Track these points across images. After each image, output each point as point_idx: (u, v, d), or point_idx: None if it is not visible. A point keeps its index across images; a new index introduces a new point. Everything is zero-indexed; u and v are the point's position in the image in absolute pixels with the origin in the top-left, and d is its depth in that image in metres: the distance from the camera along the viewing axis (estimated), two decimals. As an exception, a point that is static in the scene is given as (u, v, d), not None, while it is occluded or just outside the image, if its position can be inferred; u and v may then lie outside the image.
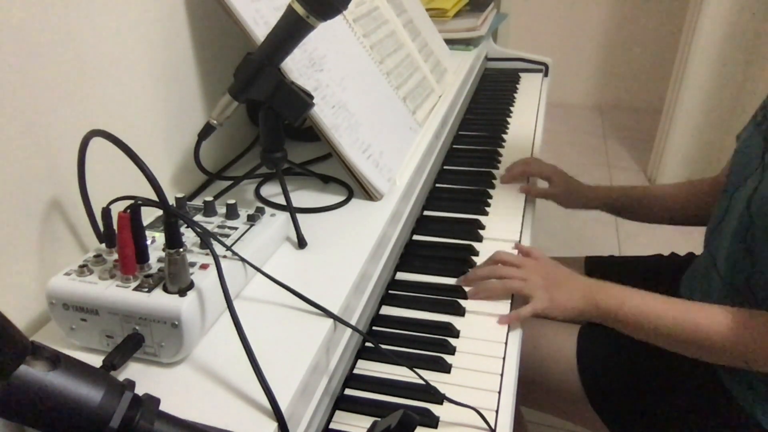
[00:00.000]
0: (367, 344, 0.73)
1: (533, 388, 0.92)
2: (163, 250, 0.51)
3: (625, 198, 1.09)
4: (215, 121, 0.72)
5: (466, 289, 0.84)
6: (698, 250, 0.97)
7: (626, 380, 0.86)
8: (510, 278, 0.82)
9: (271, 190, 0.84)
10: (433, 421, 0.63)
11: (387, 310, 0.80)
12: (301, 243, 0.70)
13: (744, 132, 0.87)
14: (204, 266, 0.55)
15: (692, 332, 0.73)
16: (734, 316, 0.72)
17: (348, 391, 0.68)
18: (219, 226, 0.64)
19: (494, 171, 1.16)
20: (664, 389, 0.84)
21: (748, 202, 0.76)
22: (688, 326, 0.73)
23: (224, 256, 0.59)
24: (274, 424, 0.47)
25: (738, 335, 0.71)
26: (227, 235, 0.62)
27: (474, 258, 0.90)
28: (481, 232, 0.96)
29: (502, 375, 0.69)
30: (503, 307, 0.80)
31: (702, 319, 0.73)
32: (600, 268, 1.09)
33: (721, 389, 0.80)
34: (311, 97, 0.70)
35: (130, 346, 0.51)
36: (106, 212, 0.56)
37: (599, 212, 1.12)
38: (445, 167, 1.18)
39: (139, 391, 0.39)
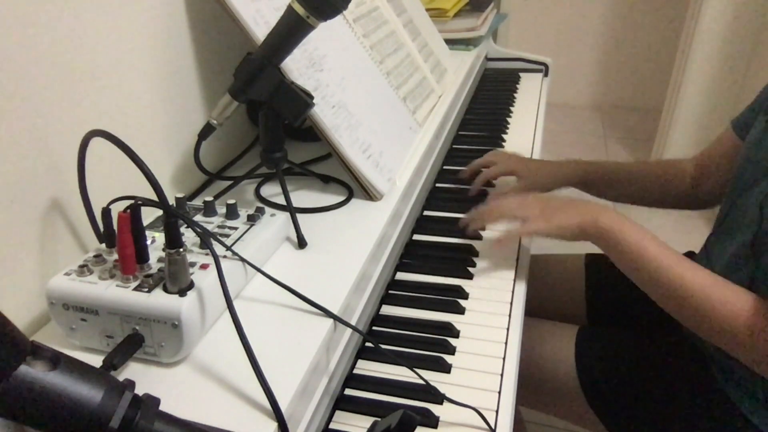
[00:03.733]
0: (367, 344, 0.73)
1: (533, 389, 0.92)
2: (163, 250, 0.51)
3: (595, 173, 1.02)
4: (215, 121, 0.72)
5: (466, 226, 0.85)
6: (698, 249, 0.97)
7: (624, 381, 0.86)
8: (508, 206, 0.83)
9: (271, 190, 0.84)
10: (433, 421, 0.63)
11: (387, 310, 0.80)
12: (301, 243, 0.70)
13: (747, 125, 0.85)
14: (204, 266, 0.55)
15: (702, 302, 0.70)
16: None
17: (348, 391, 0.68)
18: (219, 226, 0.64)
19: (494, 171, 1.16)
20: (661, 391, 0.84)
21: (761, 204, 0.74)
22: (704, 297, 0.69)
23: (224, 256, 0.59)
24: (274, 424, 0.47)
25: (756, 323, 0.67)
26: (227, 235, 0.62)
27: (474, 258, 0.90)
28: (481, 231, 0.96)
29: (502, 375, 0.69)
30: (504, 307, 0.80)
31: (721, 295, 0.69)
32: (600, 265, 1.08)
33: (718, 392, 0.80)
34: (311, 97, 0.70)
35: (130, 346, 0.51)
36: (106, 212, 0.56)
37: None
38: (445, 167, 1.18)
39: (139, 391, 0.39)
